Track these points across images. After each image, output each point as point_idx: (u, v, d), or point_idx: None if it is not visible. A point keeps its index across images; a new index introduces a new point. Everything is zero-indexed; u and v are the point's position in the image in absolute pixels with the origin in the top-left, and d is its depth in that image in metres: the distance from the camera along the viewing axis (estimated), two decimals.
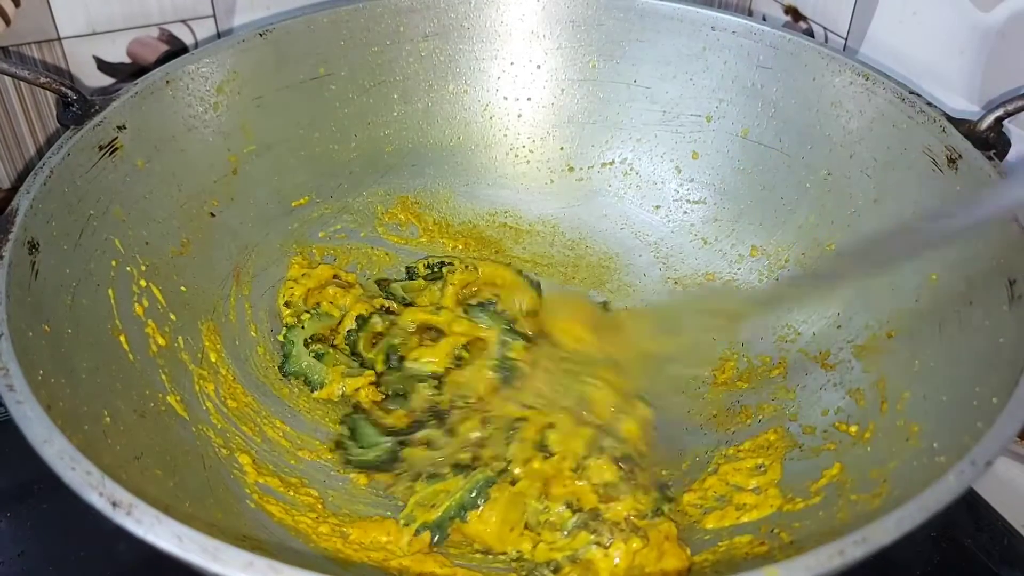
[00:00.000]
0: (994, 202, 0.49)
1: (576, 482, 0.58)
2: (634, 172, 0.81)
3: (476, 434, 0.62)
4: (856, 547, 0.38)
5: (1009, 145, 0.59)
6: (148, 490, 0.40)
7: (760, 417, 0.66)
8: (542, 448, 0.60)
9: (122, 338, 0.58)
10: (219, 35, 0.84)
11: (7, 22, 0.74)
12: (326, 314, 0.72)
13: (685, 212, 0.79)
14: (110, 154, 0.62)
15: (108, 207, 0.61)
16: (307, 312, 0.71)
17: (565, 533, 0.56)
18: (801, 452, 0.61)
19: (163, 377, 0.60)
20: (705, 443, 0.66)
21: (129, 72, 0.82)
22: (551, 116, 0.83)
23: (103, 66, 0.81)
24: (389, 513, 0.59)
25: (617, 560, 0.54)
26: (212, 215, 0.70)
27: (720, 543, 0.55)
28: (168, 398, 0.59)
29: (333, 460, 0.63)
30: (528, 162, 0.83)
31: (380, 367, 0.69)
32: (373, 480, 0.62)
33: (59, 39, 0.78)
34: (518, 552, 0.56)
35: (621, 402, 0.64)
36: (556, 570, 0.55)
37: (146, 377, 0.58)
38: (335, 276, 0.75)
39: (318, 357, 0.68)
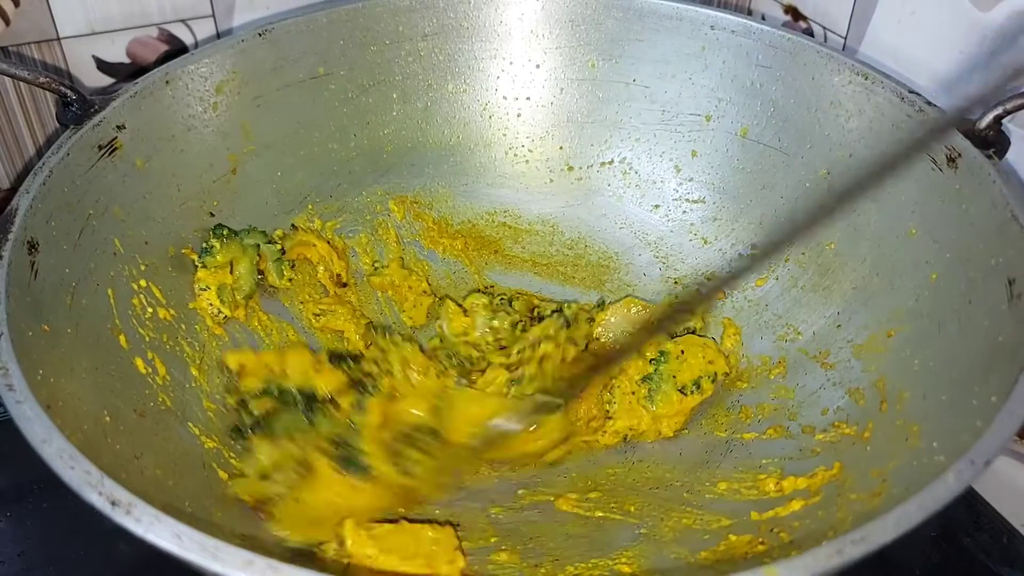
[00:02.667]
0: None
1: None
2: (633, 171, 0.81)
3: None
4: (855, 546, 0.38)
5: (1008, 143, 0.59)
6: (147, 489, 0.40)
7: (760, 416, 0.66)
8: None
9: (122, 338, 0.58)
10: (218, 35, 0.84)
11: (6, 22, 0.74)
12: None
13: (684, 211, 0.79)
14: (109, 154, 0.62)
15: (108, 207, 0.61)
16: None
17: None
18: (800, 451, 0.61)
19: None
20: (705, 443, 0.66)
21: (128, 72, 0.82)
22: (550, 115, 0.83)
23: (102, 66, 0.81)
24: None
25: None
26: (211, 215, 0.70)
27: (720, 543, 0.56)
28: (168, 398, 0.59)
29: None
30: (527, 161, 0.83)
31: None
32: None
33: (58, 39, 0.78)
34: None
35: None
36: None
37: (146, 377, 0.58)
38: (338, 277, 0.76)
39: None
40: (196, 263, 0.67)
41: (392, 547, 0.54)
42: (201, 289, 0.66)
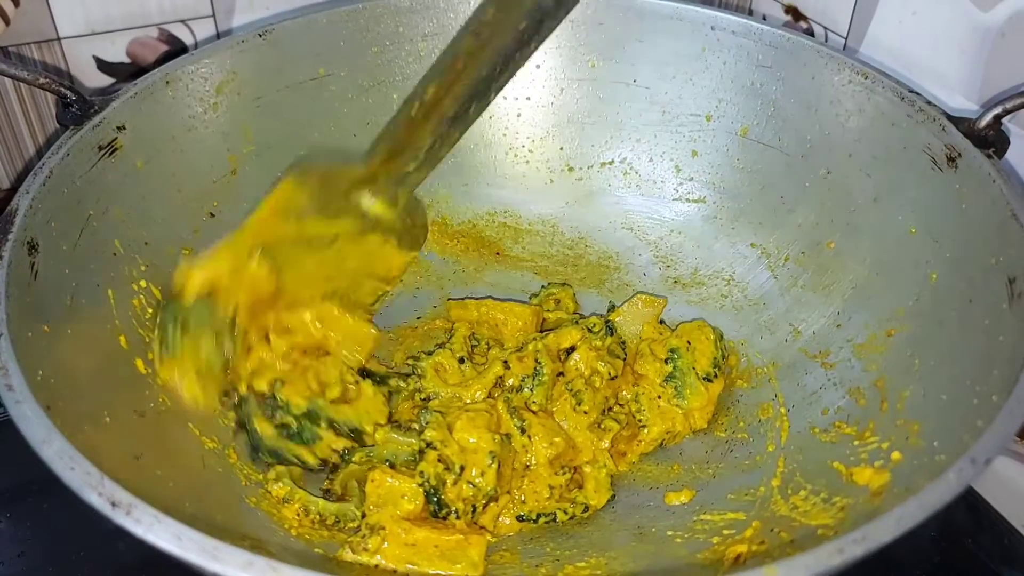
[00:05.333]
0: None
1: None
2: (634, 171, 0.81)
3: None
4: (856, 545, 0.38)
5: (1008, 143, 0.59)
6: (147, 490, 0.40)
7: (760, 416, 0.66)
8: None
9: (122, 338, 0.58)
10: (219, 35, 0.84)
11: (6, 22, 0.74)
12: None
13: (685, 211, 0.79)
14: (110, 154, 0.62)
15: (108, 207, 0.61)
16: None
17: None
18: (800, 451, 0.61)
19: None
20: (705, 443, 0.66)
21: (129, 72, 0.82)
22: (551, 116, 0.83)
23: (103, 66, 0.81)
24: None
25: None
26: (212, 215, 0.70)
27: (720, 542, 0.55)
28: (168, 398, 0.59)
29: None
30: (527, 162, 0.83)
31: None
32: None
33: (58, 39, 0.78)
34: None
35: None
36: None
37: (146, 377, 0.58)
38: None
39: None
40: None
41: (416, 542, 0.54)
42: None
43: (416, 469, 0.58)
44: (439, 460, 0.58)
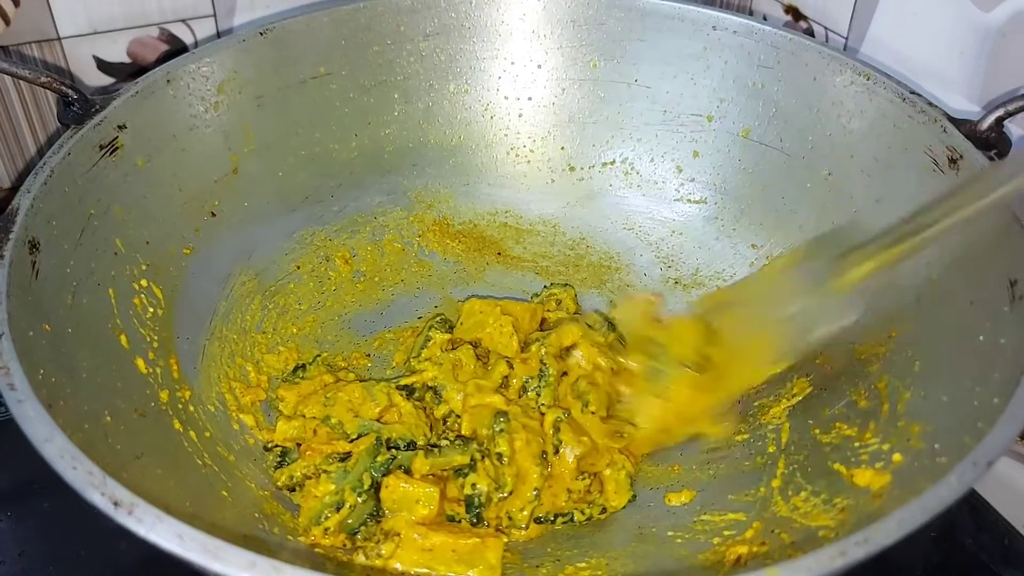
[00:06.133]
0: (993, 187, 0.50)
1: None
2: (635, 172, 0.81)
3: None
4: (858, 548, 0.38)
5: (1010, 145, 0.59)
6: (149, 489, 0.40)
7: (760, 417, 0.66)
8: None
9: (123, 337, 0.58)
10: (219, 35, 0.84)
11: (7, 22, 0.74)
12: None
13: (686, 212, 0.79)
14: (111, 153, 0.61)
15: (109, 206, 0.61)
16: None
17: None
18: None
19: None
20: (705, 443, 0.66)
21: (129, 72, 0.82)
22: (552, 116, 0.83)
23: (103, 66, 0.81)
24: None
25: None
26: (213, 214, 0.70)
27: (721, 543, 0.55)
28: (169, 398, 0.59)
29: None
30: (529, 162, 0.83)
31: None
32: None
33: (59, 39, 0.78)
34: None
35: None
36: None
37: (146, 377, 0.58)
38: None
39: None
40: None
41: (433, 547, 0.54)
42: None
43: (467, 480, 0.58)
44: (489, 476, 0.58)
